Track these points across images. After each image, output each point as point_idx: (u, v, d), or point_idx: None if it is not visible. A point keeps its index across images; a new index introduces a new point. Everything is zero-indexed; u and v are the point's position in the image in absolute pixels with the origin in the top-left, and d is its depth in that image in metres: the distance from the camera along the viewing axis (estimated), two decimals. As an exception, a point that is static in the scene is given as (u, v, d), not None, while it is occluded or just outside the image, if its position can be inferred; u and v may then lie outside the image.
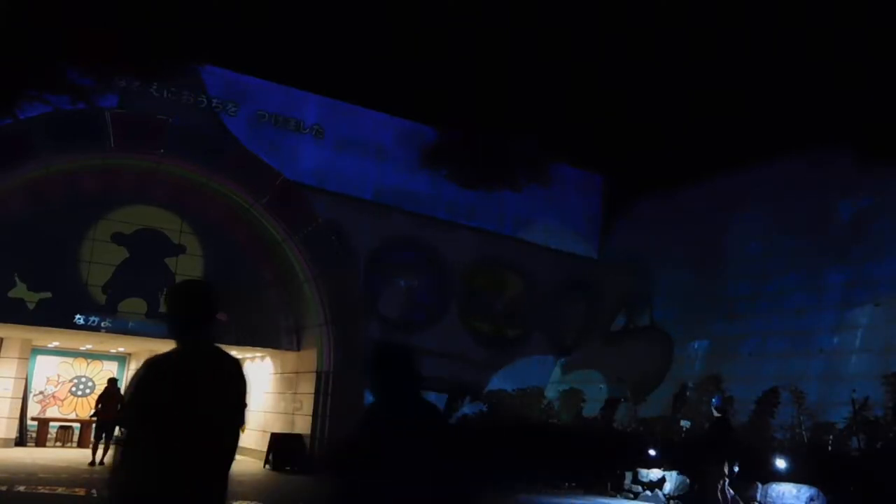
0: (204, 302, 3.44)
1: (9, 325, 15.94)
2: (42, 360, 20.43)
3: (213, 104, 16.85)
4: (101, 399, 16.18)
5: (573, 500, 14.19)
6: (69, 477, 13.62)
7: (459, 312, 19.29)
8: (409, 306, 18.72)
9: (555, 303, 20.42)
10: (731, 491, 11.10)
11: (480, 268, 19.64)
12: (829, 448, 12.40)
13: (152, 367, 3.30)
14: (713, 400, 12.02)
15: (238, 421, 3.51)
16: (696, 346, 17.33)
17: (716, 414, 11.64)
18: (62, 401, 20.37)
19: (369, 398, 3.41)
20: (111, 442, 14.96)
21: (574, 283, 20.67)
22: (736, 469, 11.17)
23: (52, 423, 19.67)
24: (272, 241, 17.68)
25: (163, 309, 3.53)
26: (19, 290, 15.30)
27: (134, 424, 3.21)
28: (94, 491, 11.94)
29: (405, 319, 18.47)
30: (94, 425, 16.26)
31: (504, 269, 20.00)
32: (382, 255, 18.33)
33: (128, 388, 3.38)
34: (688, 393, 16.03)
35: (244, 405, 3.56)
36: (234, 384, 3.43)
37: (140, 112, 15.91)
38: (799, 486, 11.66)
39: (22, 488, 11.72)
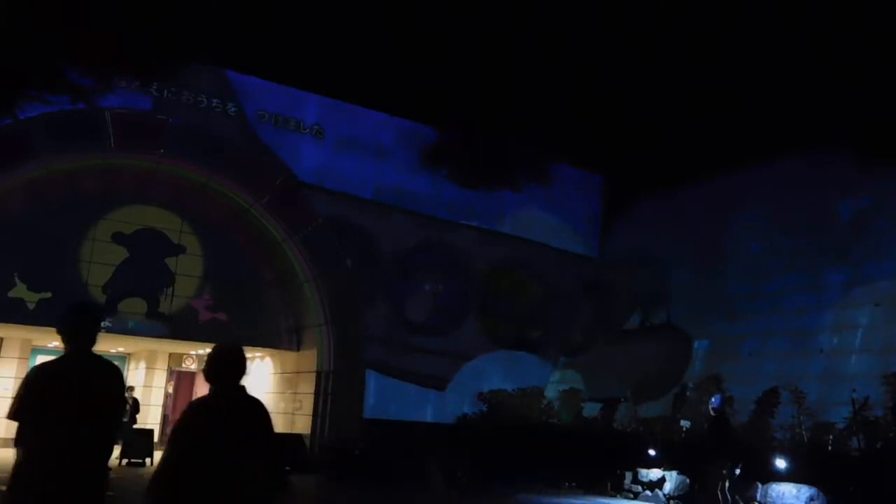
0: (82, 320, 4.10)
1: (9, 325, 15.95)
2: (42, 361, 20.38)
3: (213, 104, 16.83)
4: None
5: (573, 500, 14.19)
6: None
7: (469, 314, 19.30)
8: (419, 307, 18.74)
9: (557, 303, 20.41)
10: (728, 495, 11.10)
11: (483, 267, 19.63)
12: (829, 448, 12.39)
13: (34, 372, 4.00)
14: (712, 399, 12.00)
15: (110, 416, 4.08)
16: (696, 346, 17.33)
17: (712, 414, 11.65)
18: (62, 401, 20.35)
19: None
20: None
21: (575, 283, 20.67)
22: (737, 471, 11.16)
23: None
24: (272, 241, 17.67)
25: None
26: (19, 290, 15.31)
27: (16, 417, 3.80)
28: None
29: (415, 320, 18.52)
30: None
31: (506, 269, 19.97)
32: (388, 255, 18.31)
33: (17, 389, 3.98)
34: (688, 393, 16.02)
35: (118, 403, 4.17)
36: (105, 386, 4.02)
37: (140, 112, 15.90)
38: (799, 486, 11.66)
39: (22, 488, 11.69)
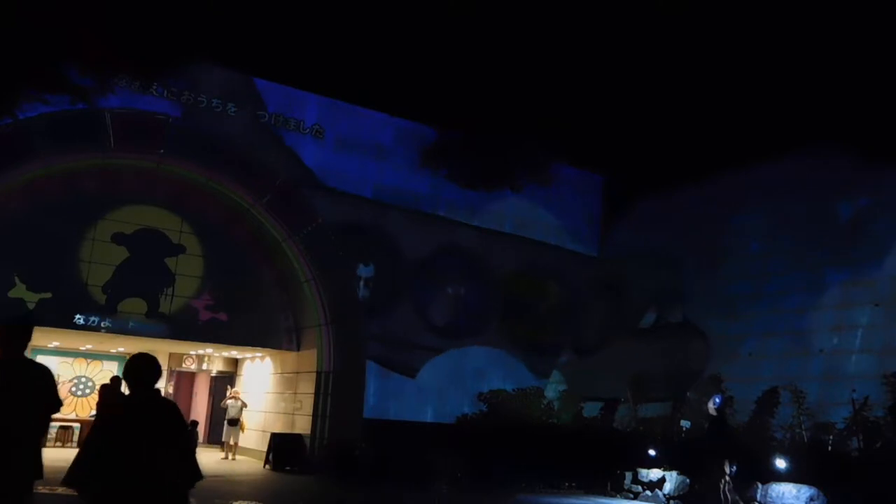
0: (15, 330, 5.01)
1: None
2: (42, 360, 20.42)
3: (214, 104, 16.81)
4: (102, 400, 15.28)
5: (573, 500, 14.20)
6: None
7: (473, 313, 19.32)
8: (421, 306, 18.81)
9: (560, 302, 20.40)
10: (729, 495, 11.11)
11: (484, 266, 19.62)
12: (829, 448, 12.41)
13: None
14: (715, 399, 12.03)
15: (36, 413, 4.94)
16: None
17: (713, 414, 11.68)
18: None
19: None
20: None
21: (577, 282, 20.66)
22: (734, 469, 11.19)
23: (51, 423, 19.63)
24: (272, 241, 17.68)
25: None
26: (19, 290, 15.30)
27: None
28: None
29: (413, 319, 18.60)
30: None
31: (508, 269, 19.96)
32: (388, 254, 18.32)
33: None
34: (688, 393, 16.02)
35: (47, 400, 5.02)
36: (35, 386, 4.93)
37: (140, 112, 15.90)
38: (799, 486, 11.67)
39: (22, 488, 11.69)
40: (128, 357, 5.16)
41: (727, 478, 11.18)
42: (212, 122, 16.74)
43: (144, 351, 4.36)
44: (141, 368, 4.38)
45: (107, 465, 3.98)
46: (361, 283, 18.10)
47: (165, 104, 16.34)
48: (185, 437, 4.37)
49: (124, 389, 4.84)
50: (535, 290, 20.25)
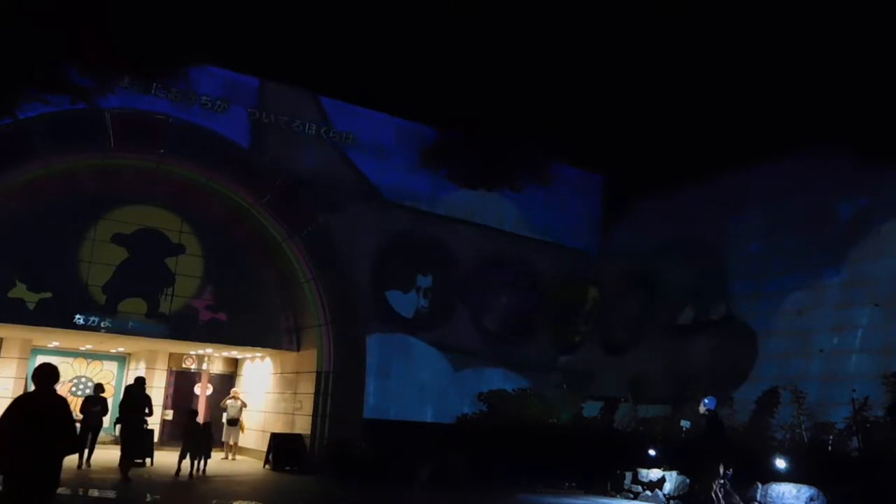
0: None
1: (9, 325, 15.96)
2: (42, 360, 20.40)
3: (216, 104, 16.79)
4: (125, 401, 14.63)
5: (573, 500, 14.19)
6: (68, 477, 13.59)
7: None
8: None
9: (558, 302, 20.40)
10: (722, 492, 11.12)
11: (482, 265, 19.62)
12: (829, 448, 12.40)
13: None
14: (704, 401, 12.06)
15: None
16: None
17: (706, 414, 11.70)
18: (62, 401, 20.33)
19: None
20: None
21: (577, 281, 20.64)
22: (731, 471, 11.20)
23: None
24: (272, 241, 17.68)
25: None
26: (19, 290, 15.32)
27: None
28: (93, 491, 11.96)
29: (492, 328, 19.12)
30: (120, 429, 14.13)
31: (509, 268, 19.95)
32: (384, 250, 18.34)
33: None
34: (688, 393, 15.98)
35: None
36: None
37: (140, 112, 15.89)
38: (799, 486, 11.66)
39: (22, 488, 11.69)
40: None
41: (721, 480, 11.19)
42: (213, 122, 16.72)
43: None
44: (43, 374, 6.15)
45: (8, 440, 5.71)
46: (420, 292, 18.46)
47: (239, 124, 16.87)
48: (67, 421, 6.19)
49: (32, 388, 6.14)
50: (533, 289, 20.20)
